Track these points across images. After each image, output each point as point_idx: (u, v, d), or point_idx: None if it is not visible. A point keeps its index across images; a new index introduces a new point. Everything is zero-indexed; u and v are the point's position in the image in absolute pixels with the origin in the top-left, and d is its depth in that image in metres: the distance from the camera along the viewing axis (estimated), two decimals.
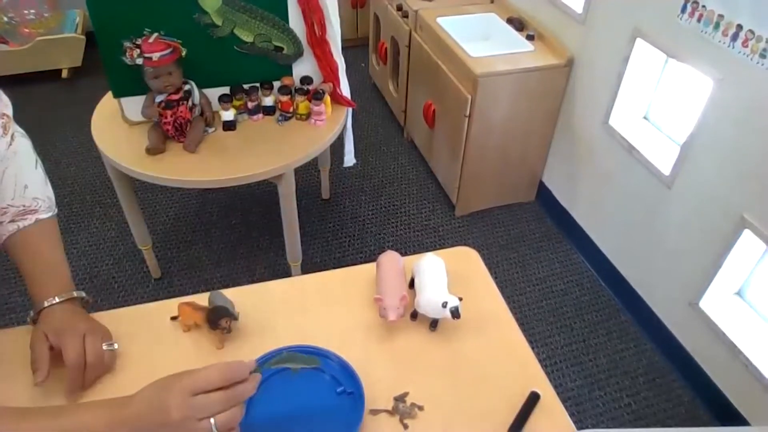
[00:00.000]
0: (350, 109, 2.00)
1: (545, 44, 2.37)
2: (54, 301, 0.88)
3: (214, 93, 1.82)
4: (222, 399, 0.67)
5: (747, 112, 1.57)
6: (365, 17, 3.80)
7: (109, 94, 1.85)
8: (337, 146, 2.16)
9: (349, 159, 2.17)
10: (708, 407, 1.89)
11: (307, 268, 2.24)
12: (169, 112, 1.70)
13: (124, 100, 1.79)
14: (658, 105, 2.07)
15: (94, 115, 1.87)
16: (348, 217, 2.60)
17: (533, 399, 0.87)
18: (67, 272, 0.95)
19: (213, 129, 1.83)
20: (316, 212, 2.63)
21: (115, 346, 0.90)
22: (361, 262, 1.10)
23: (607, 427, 1.83)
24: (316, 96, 1.82)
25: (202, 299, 0.97)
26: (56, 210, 1.01)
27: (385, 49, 3.10)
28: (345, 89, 1.96)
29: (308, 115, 1.88)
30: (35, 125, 3.13)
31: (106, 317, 0.97)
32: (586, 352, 2.06)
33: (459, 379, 0.90)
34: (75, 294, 0.91)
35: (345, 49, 1.95)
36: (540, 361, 0.93)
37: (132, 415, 0.67)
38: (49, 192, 1.01)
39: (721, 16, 1.58)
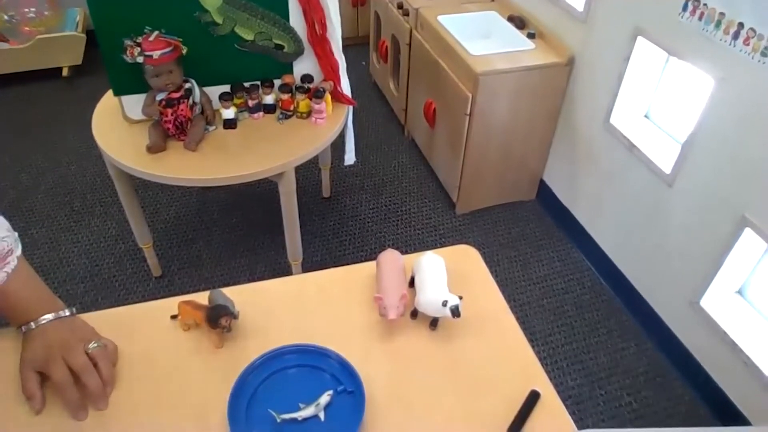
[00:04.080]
0: (351, 108, 2.00)
1: (546, 42, 2.37)
2: (31, 326, 0.86)
3: (214, 91, 1.82)
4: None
5: (748, 111, 1.57)
6: (366, 15, 3.80)
7: (110, 93, 1.85)
8: (338, 145, 2.16)
9: (350, 157, 2.17)
10: (708, 406, 1.89)
11: (308, 266, 2.24)
12: (169, 111, 1.70)
13: (124, 98, 1.79)
14: (659, 103, 2.07)
15: (94, 113, 1.87)
16: (348, 216, 2.60)
17: (533, 398, 0.87)
18: (47, 291, 0.91)
19: (214, 127, 1.83)
20: (316, 211, 2.63)
21: (99, 343, 0.87)
22: (361, 261, 1.10)
23: (608, 426, 1.83)
24: (317, 94, 1.82)
25: (203, 298, 0.97)
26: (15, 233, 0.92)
27: (386, 47, 3.09)
28: (346, 87, 1.96)
29: (309, 114, 1.88)
30: (36, 124, 3.13)
31: (106, 315, 0.97)
32: (587, 351, 2.06)
33: (459, 378, 0.90)
34: (51, 317, 0.87)
35: (345, 48, 1.94)
36: (540, 359, 0.93)
37: None
38: (2, 220, 0.90)
39: (722, 15, 1.58)
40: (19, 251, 0.90)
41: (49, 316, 0.87)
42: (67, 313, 0.89)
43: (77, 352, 0.85)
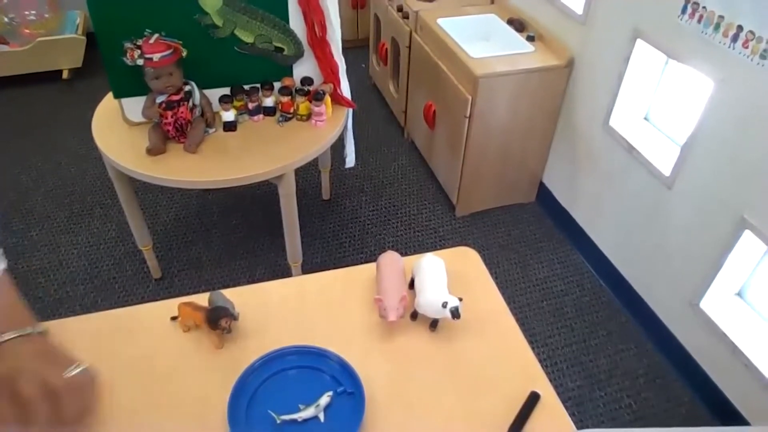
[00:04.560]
0: (351, 110, 2.00)
1: (545, 45, 2.37)
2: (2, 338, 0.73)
3: (214, 93, 1.82)
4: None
5: (747, 113, 1.58)
6: (365, 18, 3.80)
7: (110, 95, 1.85)
8: (338, 147, 2.17)
9: (350, 160, 2.17)
10: (708, 407, 1.89)
11: (308, 268, 2.24)
12: (169, 113, 1.70)
13: (124, 100, 1.79)
14: (658, 106, 2.07)
15: (94, 115, 1.87)
16: (348, 218, 2.60)
17: (533, 399, 0.87)
18: (24, 308, 0.80)
19: (213, 129, 1.84)
20: (316, 213, 2.63)
21: (81, 367, 0.73)
22: (361, 263, 1.10)
23: (608, 427, 1.83)
24: (317, 97, 1.82)
25: (203, 299, 0.97)
26: None
27: (386, 49, 3.10)
28: (345, 90, 1.96)
29: (309, 116, 1.88)
30: (36, 126, 3.13)
31: (106, 317, 0.97)
32: (587, 353, 2.06)
33: (459, 379, 0.90)
34: (26, 332, 0.75)
35: (345, 50, 1.95)
36: (540, 361, 0.93)
37: None
38: None
39: (721, 17, 1.58)
40: (4, 264, 0.82)
41: (12, 334, 0.74)
42: (32, 330, 0.76)
43: (57, 374, 0.71)
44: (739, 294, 1.85)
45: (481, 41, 2.53)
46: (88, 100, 2.10)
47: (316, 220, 2.58)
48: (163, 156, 1.73)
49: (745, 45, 1.53)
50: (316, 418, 0.83)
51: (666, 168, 1.90)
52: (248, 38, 1.78)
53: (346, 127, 2.01)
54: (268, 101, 1.88)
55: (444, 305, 0.91)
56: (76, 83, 3.51)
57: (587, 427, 1.83)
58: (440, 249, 1.11)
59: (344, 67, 1.93)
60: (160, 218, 2.56)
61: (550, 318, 2.18)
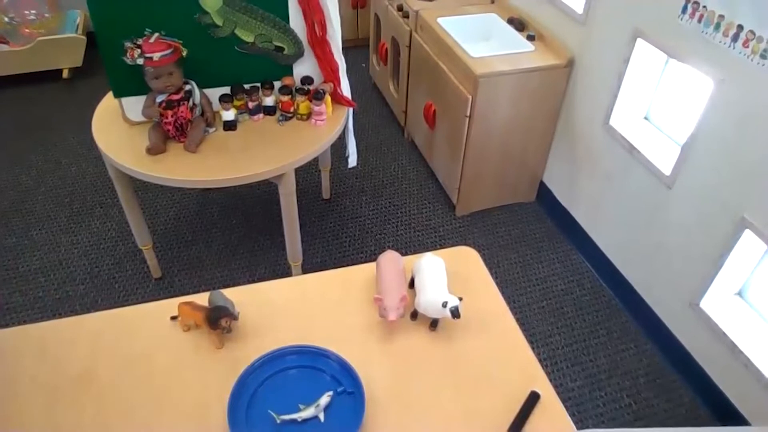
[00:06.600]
0: (351, 110, 2.00)
1: (546, 44, 2.37)
2: None
3: (214, 93, 1.82)
4: None
5: (748, 113, 1.58)
6: (366, 17, 3.80)
7: (110, 94, 1.85)
8: (338, 146, 2.16)
9: (353, 160, 2.17)
10: (708, 407, 1.89)
11: (308, 268, 2.24)
12: (169, 112, 1.70)
13: (124, 100, 1.79)
14: (658, 105, 2.07)
15: (94, 115, 1.88)
16: (348, 217, 2.60)
17: (533, 399, 0.87)
18: None
19: (214, 129, 1.84)
20: (316, 212, 2.63)
21: None
22: (361, 262, 1.10)
23: (608, 427, 1.83)
24: (317, 96, 1.82)
25: (203, 299, 0.97)
26: None
27: (386, 49, 3.10)
28: (345, 89, 1.96)
29: (309, 115, 1.88)
30: (36, 125, 3.13)
31: (106, 316, 0.97)
32: (587, 352, 2.06)
33: (459, 379, 0.90)
34: None
35: (345, 50, 1.95)
36: (540, 361, 0.93)
37: None
38: None
39: (721, 17, 1.58)
40: None
41: None
42: None
43: None
44: (739, 294, 1.85)
45: (482, 40, 2.53)
46: (88, 100, 2.10)
47: (316, 219, 2.58)
48: (163, 155, 1.73)
49: (745, 44, 1.53)
50: (316, 418, 0.83)
51: (666, 168, 1.90)
52: (248, 38, 1.78)
53: (346, 127, 2.01)
54: (269, 100, 1.88)
55: (444, 305, 0.91)
56: (76, 83, 3.51)
57: (587, 427, 1.83)
58: (440, 249, 1.11)
59: (344, 66, 1.93)
60: (160, 218, 2.56)
61: (550, 318, 2.18)
